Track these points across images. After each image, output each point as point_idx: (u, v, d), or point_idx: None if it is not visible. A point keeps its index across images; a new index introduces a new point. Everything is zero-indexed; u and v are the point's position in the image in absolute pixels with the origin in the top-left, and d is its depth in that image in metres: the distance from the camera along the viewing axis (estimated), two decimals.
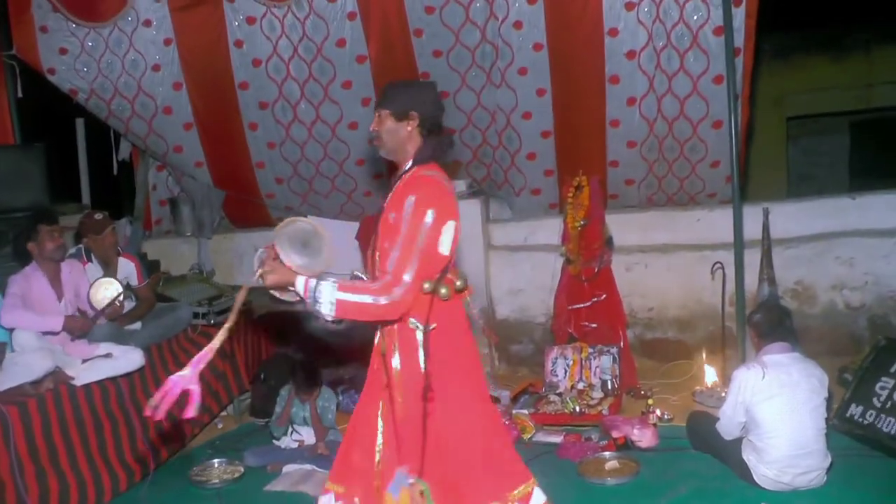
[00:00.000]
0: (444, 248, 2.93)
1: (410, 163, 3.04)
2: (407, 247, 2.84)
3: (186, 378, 2.76)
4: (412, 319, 2.92)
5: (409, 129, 3.02)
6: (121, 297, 4.95)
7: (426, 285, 2.90)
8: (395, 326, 2.96)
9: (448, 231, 2.93)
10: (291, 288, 2.88)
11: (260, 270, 2.90)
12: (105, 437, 4.59)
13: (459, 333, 3.07)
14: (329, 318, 2.81)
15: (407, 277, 2.82)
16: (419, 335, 2.93)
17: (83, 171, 7.83)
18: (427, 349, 2.92)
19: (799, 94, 11.94)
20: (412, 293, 2.84)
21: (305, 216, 3.27)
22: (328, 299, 2.78)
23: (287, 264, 2.91)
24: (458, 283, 3.04)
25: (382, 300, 2.79)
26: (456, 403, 2.99)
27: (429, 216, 2.86)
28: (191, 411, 2.73)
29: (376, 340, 3.07)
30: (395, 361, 2.97)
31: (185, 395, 2.73)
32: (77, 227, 5.44)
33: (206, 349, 2.84)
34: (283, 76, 6.41)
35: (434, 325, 2.93)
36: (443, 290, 2.94)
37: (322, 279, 2.84)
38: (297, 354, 6.59)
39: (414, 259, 2.83)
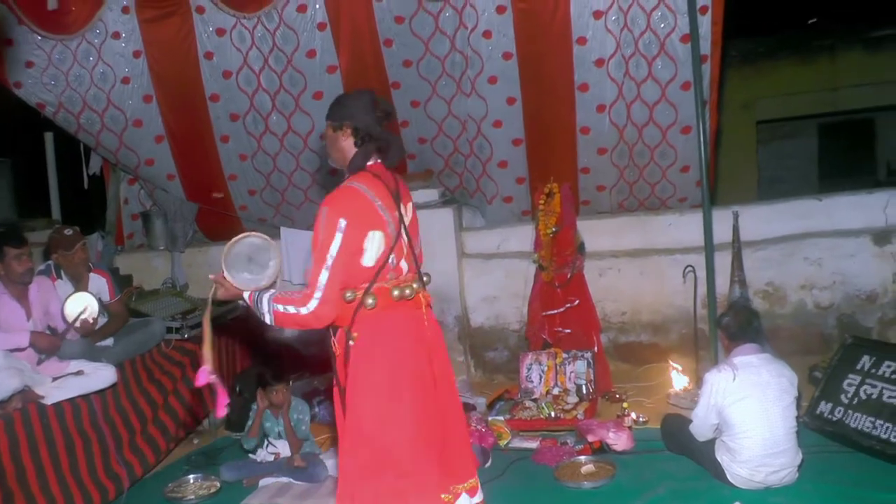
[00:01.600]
0: (368, 258, 3.00)
1: (347, 173, 3.15)
2: (319, 258, 2.94)
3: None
4: (344, 328, 3.04)
5: (345, 139, 3.13)
6: (94, 313, 4.88)
7: (348, 294, 2.99)
8: (337, 335, 3.08)
9: (372, 241, 3.00)
10: (241, 302, 3.08)
11: (213, 288, 3.15)
12: (77, 456, 4.52)
13: (391, 341, 3.09)
14: (273, 327, 3.03)
15: (319, 288, 2.92)
16: (350, 343, 3.05)
17: (53, 185, 7.77)
18: (347, 357, 3.06)
19: (768, 98, 12.12)
20: (330, 303, 2.93)
21: (255, 231, 3.40)
22: (267, 310, 2.98)
23: (231, 281, 3.12)
24: (396, 292, 3.06)
25: (303, 310, 2.93)
26: (371, 414, 3.08)
27: (340, 226, 2.93)
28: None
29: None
30: (337, 366, 3.12)
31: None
32: (46, 243, 5.37)
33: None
34: (253, 88, 6.40)
35: (356, 335, 3.02)
36: (369, 301, 3.00)
37: (264, 291, 3.06)
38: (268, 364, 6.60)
39: (324, 270, 2.92)
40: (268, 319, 2.98)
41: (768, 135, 12.82)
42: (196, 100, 6.50)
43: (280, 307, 2.96)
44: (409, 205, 3.29)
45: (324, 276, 2.91)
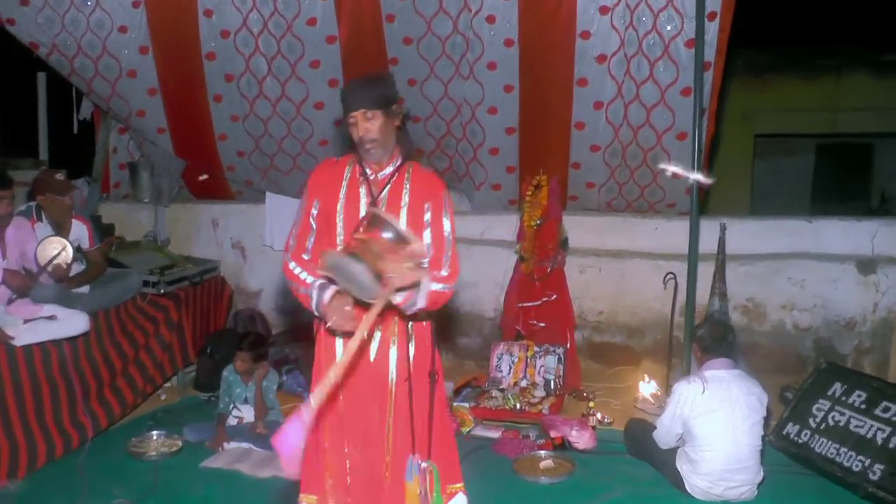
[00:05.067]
0: None
1: (400, 158, 3.10)
2: (454, 244, 3.06)
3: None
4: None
5: (396, 122, 3.05)
6: (68, 259, 4.84)
7: None
8: (398, 318, 3.02)
9: None
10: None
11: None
12: (43, 402, 4.53)
13: None
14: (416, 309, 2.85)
15: (453, 265, 3.04)
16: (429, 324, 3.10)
17: (42, 126, 7.69)
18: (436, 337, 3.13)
19: (769, 112, 12.09)
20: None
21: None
22: (424, 292, 2.80)
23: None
24: None
25: (452, 286, 2.98)
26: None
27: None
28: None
29: (355, 343, 2.68)
30: (411, 352, 3.07)
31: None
32: (32, 184, 5.28)
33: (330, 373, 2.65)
34: (251, 50, 6.32)
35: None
36: None
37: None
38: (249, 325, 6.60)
39: (452, 249, 3.06)
40: (421, 302, 2.80)
41: (766, 149, 12.81)
42: (192, 56, 6.41)
43: (438, 287, 2.89)
44: None
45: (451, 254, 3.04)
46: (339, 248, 2.91)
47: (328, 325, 2.84)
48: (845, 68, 11.85)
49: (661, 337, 6.26)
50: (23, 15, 6.17)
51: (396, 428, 3.04)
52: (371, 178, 3.06)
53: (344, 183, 3.06)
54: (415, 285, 2.72)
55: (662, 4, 5.66)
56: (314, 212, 3.07)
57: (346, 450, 3.07)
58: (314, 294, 2.89)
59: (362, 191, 3.04)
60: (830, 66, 11.90)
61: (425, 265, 2.81)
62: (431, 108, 6.44)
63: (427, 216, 3.03)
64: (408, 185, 3.04)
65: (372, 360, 3.02)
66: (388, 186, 3.04)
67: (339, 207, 3.03)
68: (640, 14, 5.72)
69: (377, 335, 3.01)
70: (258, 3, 6.06)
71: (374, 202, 3.00)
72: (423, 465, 3.01)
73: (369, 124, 2.93)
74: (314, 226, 3.08)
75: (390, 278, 2.63)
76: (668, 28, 5.74)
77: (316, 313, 2.94)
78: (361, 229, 2.75)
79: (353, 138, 3.01)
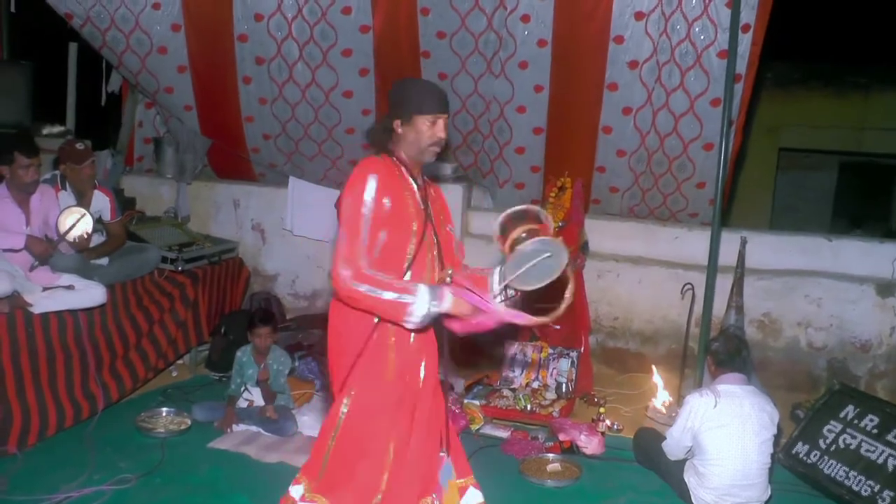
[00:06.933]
0: None
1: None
2: None
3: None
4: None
5: None
6: (88, 229, 4.87)
7: None
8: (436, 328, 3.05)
9: None
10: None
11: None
12: (56, 370, 4.57)
13: None
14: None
15: None
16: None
17: (71, 96, 7.70)
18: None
19: (794, 126, 12.03)
20: None
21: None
22: None
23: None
24: None
25: None
26: None
27: None
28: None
29: (391, 351, 2.94)
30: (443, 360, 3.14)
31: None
32: (57, 153, 5.33)
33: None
34: (283, 34, 6.32)
35: None
36: None
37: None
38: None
39: None
40: None
41: (789, 163, 12.74)
42: (224, 37, 6.43)
43: None
44: None
45: None
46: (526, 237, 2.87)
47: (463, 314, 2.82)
48: (874, 87, 11.77)
49: (676, 346, 6.24)
50: None
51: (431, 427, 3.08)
52: (413, 184, 3.02)
53: (406, 188, 2.97)
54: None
55: (697, 14, 5.65)
56: (385, 211, 2.86)
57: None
58: (423, 295, 2.76)
59: (418, 198, 3.01)
60: (859, 84, 11.82)
61: None
62: (460, 103, 6.43)
63: (453, 231, 3.20)
64: (434, 196, 3.14)
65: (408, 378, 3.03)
66: (426, 195, 3.07)
67: (412, 213, 2.94)
68: (674, 22, 5.71)
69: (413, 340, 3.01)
70: None
71: (428, 210, 3.02)
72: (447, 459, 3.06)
73: (446, 130, 3.00)
74: (385, 230, 2.87)
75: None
76: (702, 38, 5.73)
77: (416, 315, 2.76)
78: (522, 225, 2.89)
79: (413, 136, 2.96)
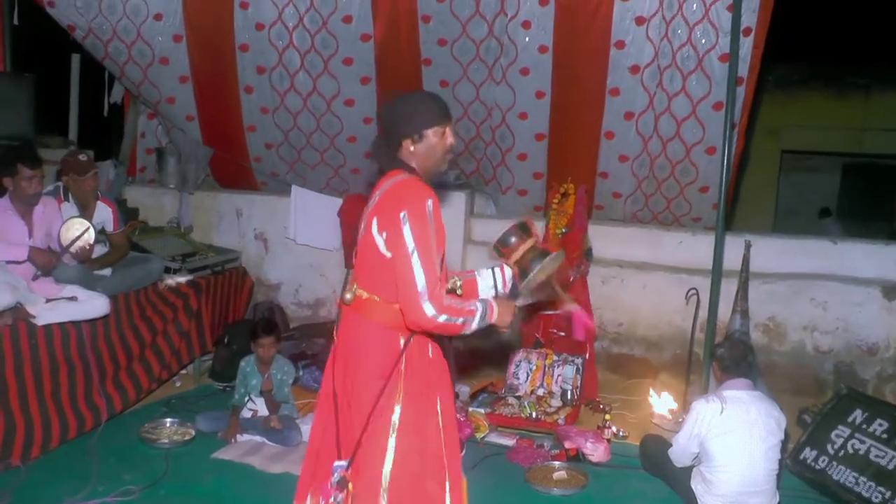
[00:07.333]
0: None
1: None
2: None
3: None
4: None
5: None
6: (90, 240, 4.87)
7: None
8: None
9: None
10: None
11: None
12: (60, 381, 4.56)
13: None
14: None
15: None
16: None
17: (73, 107, 7.73)
18: None
19: (796, 128, 12.03)
20: None
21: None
22: None
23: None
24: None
25: None
26: None
27: None
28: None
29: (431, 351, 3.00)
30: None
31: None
32: (59, 165, 5.34)
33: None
34: (284, 43, 6.33)
35: None
36: None
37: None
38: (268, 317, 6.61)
39: None
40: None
41: (792, 165, 12.75)
42: (225, 47, 6.45)
43: None
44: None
45: None
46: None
47: (504, 325, 2.94)
48: (874, 87, 11.76)
49: (681, 352, 6.21)
50: None
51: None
52: None
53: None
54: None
55: (698, 18, 5.64)
56: (442, 234, 2.86)
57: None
58: (484, 308, 2.85)
59: None
60: (860, 85, 11.83)
61: None
62: (462, 110, 6.43)
63: None
64: None
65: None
66: None
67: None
68: (675, 26, 5.70)
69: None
70: None
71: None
72: None
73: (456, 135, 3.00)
74: (441, 249, 2.86)
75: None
76: (703, 42, 5.71)
77: (469, 330, 2.84)
78: (520, 237, 3.03)
79: (426, 151, 2.92)
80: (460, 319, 2.78)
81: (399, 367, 2.86)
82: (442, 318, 2.72)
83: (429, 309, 2.70)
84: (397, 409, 2.85)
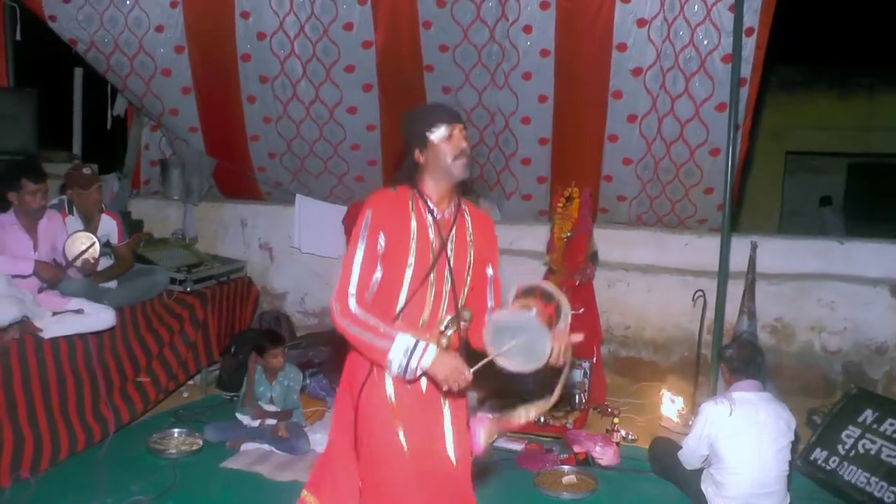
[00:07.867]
0: None
1: (456, 196, 2.94)
2: None
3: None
4: None
5: None
6: (95, 253, 4.87)
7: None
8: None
9: None
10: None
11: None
12: (67, 394, 4.56)
13: None
14: None
15: None
16: None
17: (77, 121, 7.75)
18: None
19: (800, 129, 11.98)
20: None
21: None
22: None
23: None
24: None
25: None
26: None
27: None
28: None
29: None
30: None
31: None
32: (63, 179, 5.35)
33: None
34: (286, 53, 6.34)
35: None
36: None
37: None
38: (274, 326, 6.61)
39: None
40: None
41: (796, 166, 12.71)
42: (227, 57, 6.46)
43: None
44: None
45: None
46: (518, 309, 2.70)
47: (444, 385, 2.65)
48: (879, 87, 11.73)
49: (688, 354, 6.20)
50: (64, 12, 6.24)
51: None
52: (438, 217, 2.83)
53: (413, 221, 2.79)
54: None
55: (700, 19, 5.63)
56: (380, 250, 2.75)
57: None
58: (401, 347, 2.61)
59: (431, 232, 2.81)
60: (864, 85, 11.79)
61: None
62: (465, 116, 6.41)
63: (489, 270, 3.00)
64: (470, 230, 2.92)
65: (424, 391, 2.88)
66: (454, 228, 2.87)
67: (412, 248, 2.76)
68: (677, 28, 5.69)
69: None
70: (295, 7, 6.10)
71: (443, 245, 2.80)
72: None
73: (466, 140, 2.85)
74: (380, 266, 2.76)
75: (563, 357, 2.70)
76: (706, 43, 5.71)
77: (393, 367, 2.63)
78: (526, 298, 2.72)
79: (434, 157, 2.81)
80: (368, 336, 2.64)
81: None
82: (345, 323, 2.68)
83: (334, 306, 2.70)
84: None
